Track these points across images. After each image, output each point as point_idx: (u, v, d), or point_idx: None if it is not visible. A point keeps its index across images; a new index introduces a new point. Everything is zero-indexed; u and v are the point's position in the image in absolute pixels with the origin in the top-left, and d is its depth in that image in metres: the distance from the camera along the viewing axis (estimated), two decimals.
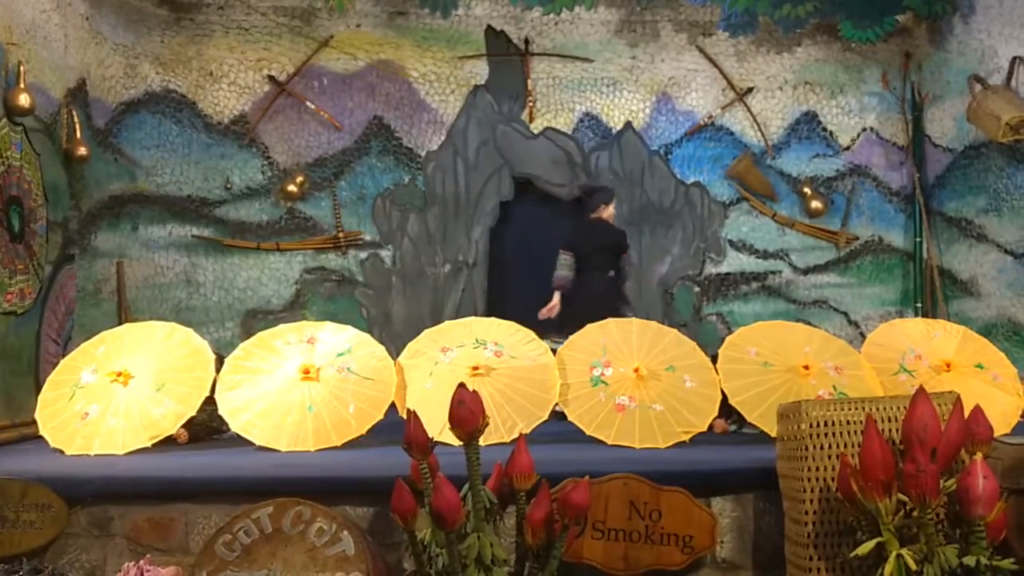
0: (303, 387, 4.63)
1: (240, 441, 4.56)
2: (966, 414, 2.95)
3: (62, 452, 4.38)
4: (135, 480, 3.63)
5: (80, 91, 6.81)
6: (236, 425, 4.53)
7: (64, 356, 5.22)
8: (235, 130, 7.90)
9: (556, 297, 6.60)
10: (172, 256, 7.73)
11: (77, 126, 6.52)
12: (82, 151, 6.56)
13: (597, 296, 6.41)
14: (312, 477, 3.62)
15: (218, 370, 4.75)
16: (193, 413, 4.61)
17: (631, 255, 7.66)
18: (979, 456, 2.76)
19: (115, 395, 4.58)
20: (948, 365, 4.78)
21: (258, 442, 4.46)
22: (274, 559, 3.07)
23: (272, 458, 4.16)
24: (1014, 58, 7.04)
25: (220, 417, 4.68)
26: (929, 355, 4.87)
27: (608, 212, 6.76)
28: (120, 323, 6.93)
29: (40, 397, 4.72)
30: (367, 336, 4.99)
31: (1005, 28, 7.19)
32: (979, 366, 4.85)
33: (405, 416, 3.33)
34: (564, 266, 6.63)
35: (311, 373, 4.65)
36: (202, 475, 3.68)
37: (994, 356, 4.98)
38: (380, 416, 4.61)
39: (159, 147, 7.73)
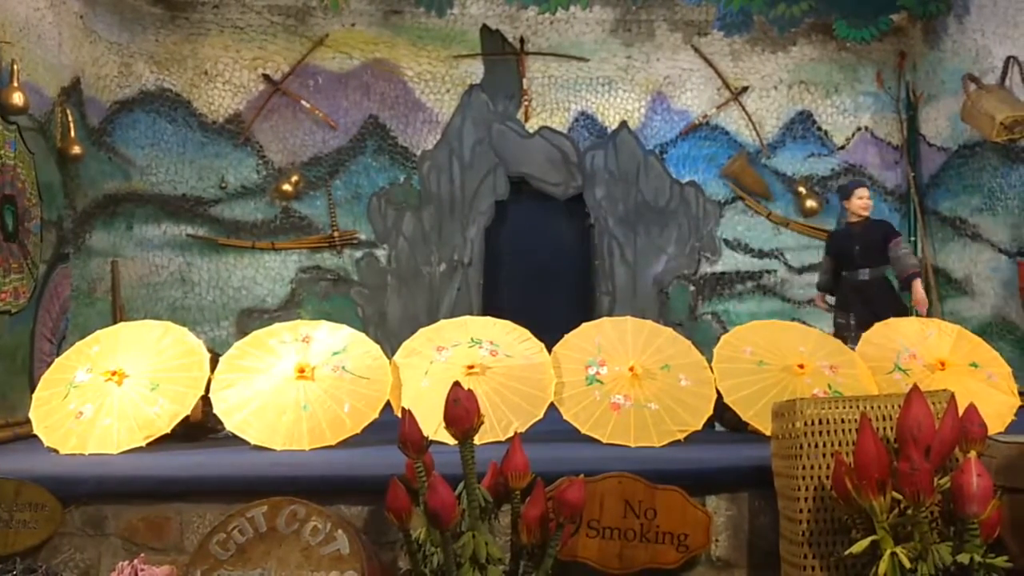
0: (298, 386, 4.62)
1: (235, 440, 4.56)
2: (960, 412, 2.96)
3: (56, 452, 4.37)
4: (129, 479, 3.62)
5: (74, 90, 6.80)
6: (231, 424, 4.52)
7: (58, 355, 5.19)
8: (230, 129, 7.89)
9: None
10: (167, 255, 7.73)
11: (71, 125, 6.50)
12: (76, 150, 6.54)
13: (874, 296, 6.53)
14: (307, 476, 3.61)
15: (214, 368, 4.74)
16: (188, 412, 4.60)
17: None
18: (973, 454, 2.77)
19: (109, 394, 4.56)
20: (943, 364, 4.78)
21: (253, 441, 4.45)
22: (269, 558, 3.07)
23: (267, 457, 4.16)
24: (1008, 57, 7.06)
25: (215, 416, 4.67)
26: (924, 354, 4.87)
27: (854, 205, 6.73)
28: (115, 322, 6.92)
29: (34, 396, 4.70)
30: (362, 335, 4.99)
31: (999, 28, 7.20)
32: (974, 365, 4.85)
33: (400, 415, 3.32)
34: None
35: (306, 372, 4.64)
36: (196, 474, 3.67)
37: (988, 355, 4.98)
38: (375, 415, 4.60)
39: (154, 146, 7.73)
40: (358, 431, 4.54)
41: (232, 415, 4.55)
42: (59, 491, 3.47)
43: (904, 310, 6.58)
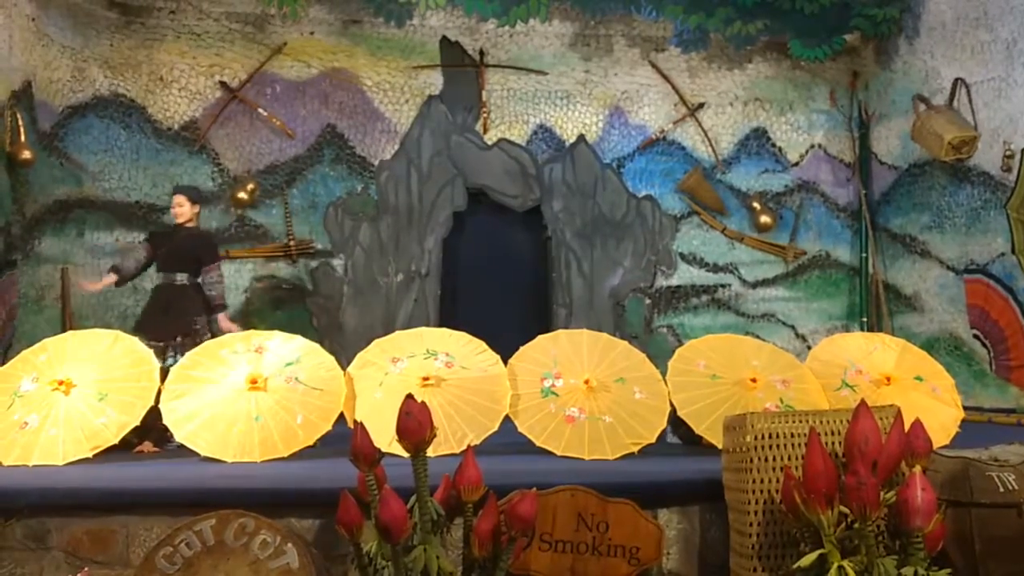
0: (250, 397, 4.57)
1: (185, 451, 4.49)
2: (906, 428, 3.01)
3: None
4: (74, 491, 3.54)
5: (25, 93, 6.67)
6: (181, 435, 4.46)
7: (3, 364, 5.08)
8: (185, 136, 7.80)
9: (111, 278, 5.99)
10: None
11: (21, 129, 6.38)
12: (26, 155, 6.42)
13: (177, 304, 5.76)
14: (257, 489, 3.57)
15: (163, 379, 4.67)
16: (137, 423, 4.53)
17: (582, 267, 7.84)
18: (918, 469, 2.82)
19: (56, 404, 4.47)
20: (888, 379, 4.86)
21: (203, 452, 4.39)
22: (216, 572, 3.02)
23: (216, 469, 4.10)
24: (956, 79, 7.22)
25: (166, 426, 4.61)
26: (869, 369, 4.95)
27: (183, 213, 5.92)
28: (64, 330, 6.76)
29: None
30: (316, 346, 4.95)
31: (948, 50, 7.37)
32: (918, 378, 4.94)
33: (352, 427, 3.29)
34: (131, 257, 6.06)
35: (259, 383, 4.60)
36: (143, 486, 3.61)
37: (932, 368, 5.08)
38: (328, 427, 4.57)
39: (107, 152, 7.61)
40: (311, 443, 4.50)
41: (182, 426, 4.49)
42: (0, 504, 3.39)
43: None
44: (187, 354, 4.91)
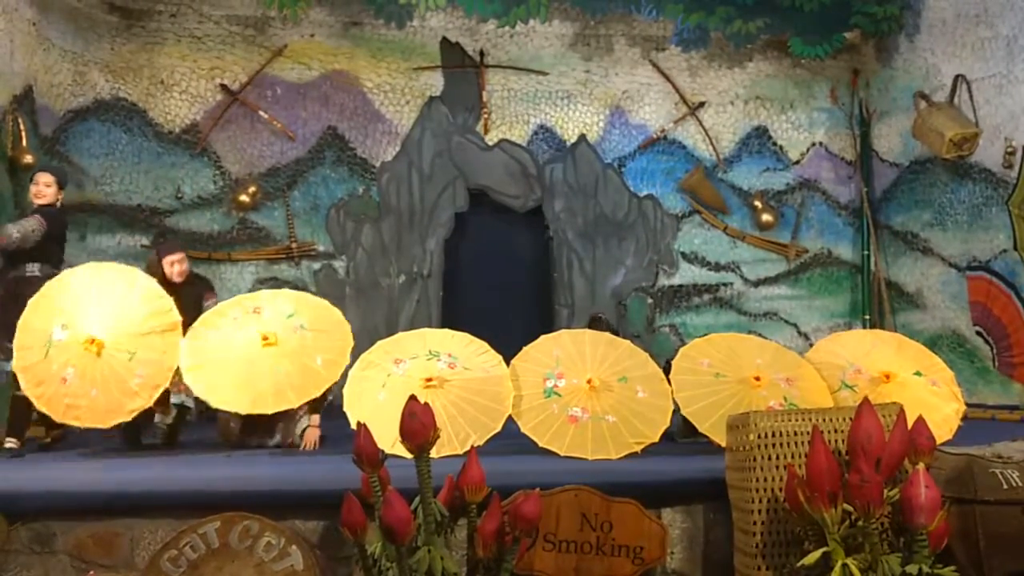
0: (267, 353, 4.74)
1: (190, 450, 4.55)
2: (909, 425, 3.01)
3: (50, 417, 4.54)
4: (79, 494, 3.55)
5: (26, 98, 6.68)
6: (199, 389, 4.63)
7: None
8: (186, 139, 7.81)
9: None
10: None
11: (23, 133, 6.39)
12: (28, 159, 6.43)
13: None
14: (261, 491, 3.56)
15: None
16: (167, 385, 4.65)
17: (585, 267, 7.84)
18: (921, 466, 2.82)
19: (90, 364, 4.56)
20: (887, 376, 4.84)
21: (244, 411, 4.66)
22: (221, 574, 3.03)
23: (220, 471, 4.10)
24: (957, 76, 7.22)
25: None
26: (868, 367, 4.93)
27: (49, 195, 5.38)
28: None
29: (15, 350, 4.61)
30: (302, 293, 5.20)
31: (948, 47, 7.37)
32: (917, 373, 4.93)
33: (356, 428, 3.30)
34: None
35: (270, 339, 4.76)
36: (148, 489, 3.61)
37: (930, 361, 5.05)
38: (347, 361, 4.77)
39: (108, 155, 7.62)
40: (336, 379, 4.73)
41: (213, 394, 4.65)
42: (5, 507, 3.39)
43: None
44: (191, 327, 4.90)
